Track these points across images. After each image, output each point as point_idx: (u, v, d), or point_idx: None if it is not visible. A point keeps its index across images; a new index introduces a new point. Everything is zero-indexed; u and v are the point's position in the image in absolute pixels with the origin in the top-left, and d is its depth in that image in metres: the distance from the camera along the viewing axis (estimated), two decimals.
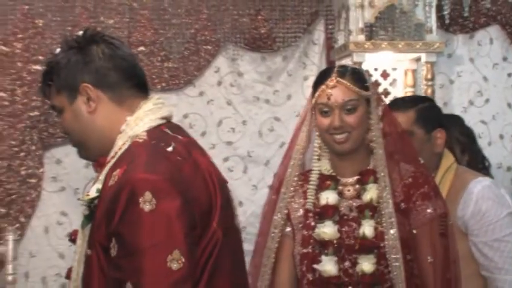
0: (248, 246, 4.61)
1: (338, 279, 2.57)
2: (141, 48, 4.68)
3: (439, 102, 4.70)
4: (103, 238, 1.89)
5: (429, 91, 4.61)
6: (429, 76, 4.61)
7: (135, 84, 2.13)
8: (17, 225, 4.52)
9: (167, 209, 1.85)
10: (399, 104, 3.48)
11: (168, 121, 2.14)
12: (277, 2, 4.80)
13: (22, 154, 4.59)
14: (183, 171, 1.97)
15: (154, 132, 2.04)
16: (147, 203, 1.82)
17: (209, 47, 4.77)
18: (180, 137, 2.11)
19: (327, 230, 2.61)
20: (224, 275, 2.01)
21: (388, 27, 4.62)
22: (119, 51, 2.14)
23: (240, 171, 4.83)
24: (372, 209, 2.61)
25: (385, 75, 4.63)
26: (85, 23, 4.59)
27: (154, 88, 4.68)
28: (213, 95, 4.83)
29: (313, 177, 2.69)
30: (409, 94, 4.57)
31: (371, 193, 2.62)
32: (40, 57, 4.57)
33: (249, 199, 4.79)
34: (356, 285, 2.54)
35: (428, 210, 2.60)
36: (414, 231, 2.57)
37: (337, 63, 4.73)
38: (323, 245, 2.62)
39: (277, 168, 4.58)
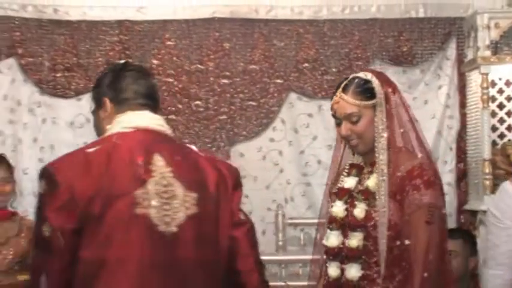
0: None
1: (334, 251, 2.67)
2: (306, 64, 4.99)
3: None
4: None
5: None
6: None
7: (142, 104, 2.36)
8: None
9: (48, 193, 2.16)
10: None
11: (136, 129, 2.32)
12: (416, 25, 5.00)
13: (213, 149, 4.92)
14: (86, 167, 2.21)
15: (102, 138, 2.34)
16: (41, 187, 2.17)
17: (360, 63, 4.98)
18: (118, 142, 2.30)
19: (334, 208, 2.70)
20: (115, 246, 2.17)
21: (511, 43, 4.75)
22: (139, 79, 2.39)
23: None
24: (365, 194, 2.65)
25: (508, 83, 4.74)
26: (261, 46, 4.98)
27: (316, 97, 5.03)
28: None
29: (346, 167, 2.79)
30: None
31: (369, 181, 2.66)
32: (227, 73, 4.96)
33: None
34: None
35: (416, 201, 2.58)
36: (407, 218, 2.57)
37: (467, 74, 4.93)
38: (329, 221, 2.72)
39: None
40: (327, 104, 4.77)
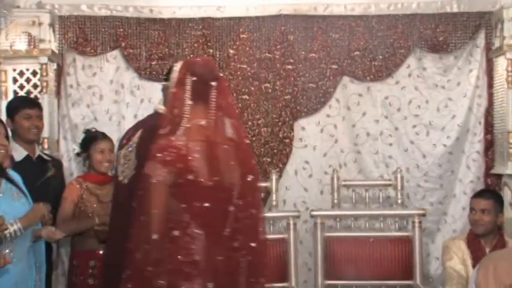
0: (429, 185, 5.08)
1: None
2: (357, 52, 5.11)
3: None
4: None
5: None
6: None
7: None
8: (277, 169, 5.03)
9: None
10: None
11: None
12: (450, 19, 5.10)
13: (280, 123, 5.11)
14: None
15: None
16: None
17: (402, 51, 5.13)
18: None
19: None
20: None
21: None
22: None
23: (424, 134, 5.17)
24: None
25: None
26: (320, 37, 5.08)
27: (365, 79, 5.14)
28: (405, 83, 5.19)
29: None
30: None
31: None
32: (291, 60, 5.07)
33: (429, 153, 5.15)
34: None
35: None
36: None
37: (494, 60, 5.03)
38: None
39: (450, 133, 5.04)
40: (374, 86, 5.23)
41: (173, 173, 2.56)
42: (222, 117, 2.67)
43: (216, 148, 2.63)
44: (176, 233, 2.57)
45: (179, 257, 2.56)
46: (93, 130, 4.50)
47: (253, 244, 2.62)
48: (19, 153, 4.06)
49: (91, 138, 4.31)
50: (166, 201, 2.58)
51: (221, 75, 2.68)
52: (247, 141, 2.67)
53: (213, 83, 2.69)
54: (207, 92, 2.66)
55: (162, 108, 2.97)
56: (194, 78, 2.67)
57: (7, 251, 3.05)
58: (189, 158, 2.58)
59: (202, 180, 2.58)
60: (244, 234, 2.63)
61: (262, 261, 2.67)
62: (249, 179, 2.66)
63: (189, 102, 2.64)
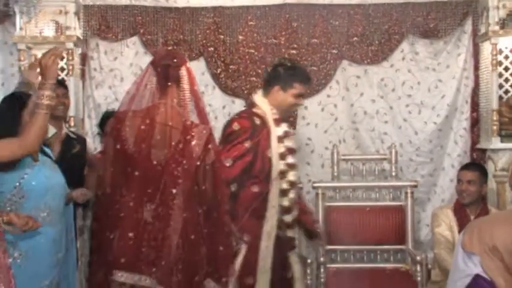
0: (420, 159, 5.21)
1: None
2: (355, 38, 5.24)
3: None
4: None
5: None
6: None
7: None
8: None
9: None
10: None
11: None
12: (441, 7, 5.21)
13: None
14: None
15: None
16: None
17: (397, 36, 5.26)
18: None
19: None
20: None
21: None
22: None
23: (416, 113, 5.31)
24: None
25: None
26: (321, 24, 5.16)
27: (362, 63, 5.27)
28: (399, 66, 5.31)
29: None
30: None
31: None
32: (295, 46, 5.18)
33: (421, 130, 5.29)
34: None
35: None
36: None
37: (480, 45, 5.17)
38: None
39: (440, 112, 5.20)
40: (371, 68, 5.35)
41: (111, 140, 2.87)
42: (186, 100, 2.87)
43: (147, 124, 2.83)
44: (111, 191, 2.86)
45: (109, 212, 2.87)
46: (110, 110, 4.64)
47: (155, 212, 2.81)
48: (49, 130, 4.13)
49: (108, 117, 4.45)
50: (110, 166, 2.87)
51: (175, 61, 2.88)
52: (195, 125, 2.84)
53: (175, 69, 2.87)
54: (172, 76, 2.86)
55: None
56: (151, 65, 2.92)
57: (45, 214, 3.29)
58: (120, 128, 2.84)
59: (128, 148, 2.82)
60: (168, 208, 2.80)
61: (177, 240, 2.82)
62: (169, 155, 2.82)
63: (154, 85, 2.87)
